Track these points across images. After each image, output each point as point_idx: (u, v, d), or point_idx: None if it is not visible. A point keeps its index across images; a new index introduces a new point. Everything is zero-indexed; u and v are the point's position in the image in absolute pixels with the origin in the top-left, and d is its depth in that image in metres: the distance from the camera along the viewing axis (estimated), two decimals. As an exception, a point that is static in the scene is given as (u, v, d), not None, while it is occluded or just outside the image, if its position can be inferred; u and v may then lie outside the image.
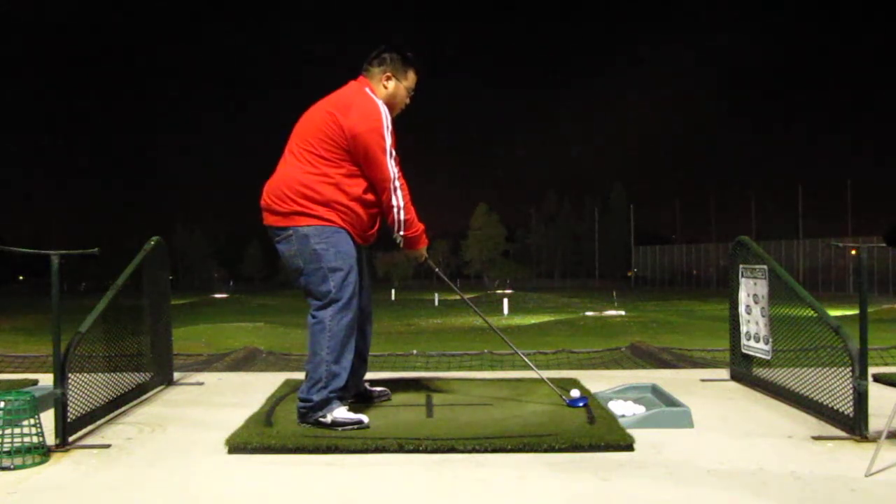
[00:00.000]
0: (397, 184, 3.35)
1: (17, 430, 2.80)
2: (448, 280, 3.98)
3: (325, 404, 3.18)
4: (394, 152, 3.35)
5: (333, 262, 3.26)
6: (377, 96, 3.39)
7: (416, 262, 3.64)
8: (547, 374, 4.19)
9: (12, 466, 2.74)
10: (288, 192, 3.28)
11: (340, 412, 3.20)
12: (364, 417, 3.21)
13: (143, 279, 4.02)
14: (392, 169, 3.32)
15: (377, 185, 3.34)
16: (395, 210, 3.37)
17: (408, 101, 3.55)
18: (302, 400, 3.21)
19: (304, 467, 2.76)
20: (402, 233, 3.43)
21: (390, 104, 3.42)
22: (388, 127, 3.30)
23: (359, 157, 3.28)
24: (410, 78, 3.51)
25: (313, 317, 3.27)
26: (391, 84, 3.45)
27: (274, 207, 3.31)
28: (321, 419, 3.17)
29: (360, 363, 3.57)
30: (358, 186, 3.32)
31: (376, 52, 3.49)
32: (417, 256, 3.59)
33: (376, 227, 3.50)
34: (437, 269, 3.86)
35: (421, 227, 3.50)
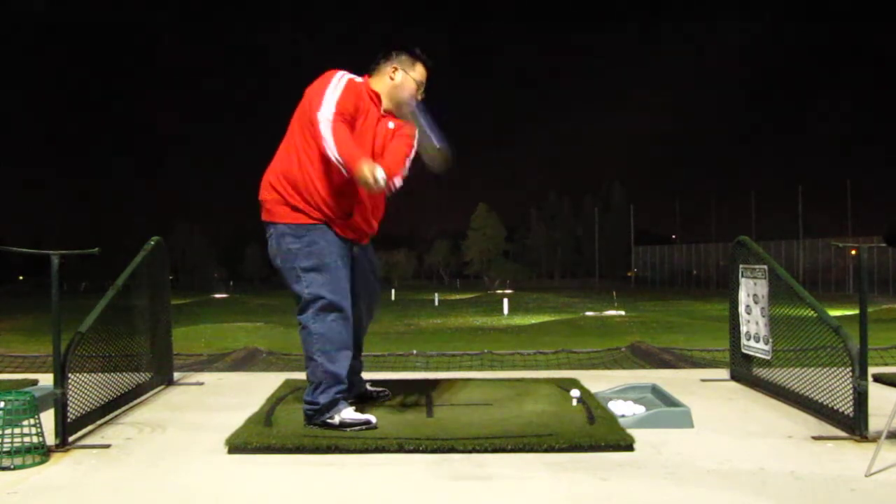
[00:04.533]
0: (325, 123, 3.08)
1: (17, 430, 2.80)
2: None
3: (332, 406, 3.17)
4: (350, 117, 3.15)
5: (306, 261, 3.19)
6: (377, 87, 3.35)
7: (380, 188, 3.04)
8: (547, 374, 4.19)
9: (12, 466, 2.74)
10: (272, 181, 3.28)
11: (348, 413, 3.19)
12: (372, 417, 3.20)
13: (143, 279, 4.02)
14: (322, 112, 3.08)
15: (313, 133, 3.12)
16: (326, 149, 3.08)
17: (419, 96, 3.45)
18: (308, 403, 3.20)
19: (304, 467, 2.76)
20: (342, 163, 3.07)
21: (397, 95, 3.36)
22: (336, 85, 3.16)
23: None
24: (419, 70, 3.42)
25: (298, 321, 3.25)
26: (398, 75, 3.38)
27: (262, 201, 3.31)
28: (329, 421, 3.15)
29: (354, 362, 3.51)
30: (323, 163, 3.19)
31: (383, 51, 3.47)
32: (371, 182, 2.99)
33: (362, 216, 3.33)
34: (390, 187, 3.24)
35: (359, 153, 3.08)
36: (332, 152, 3.07)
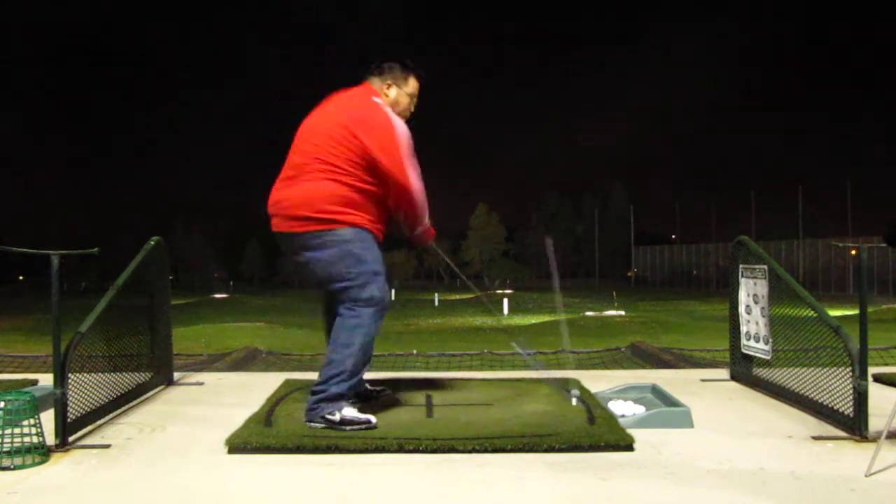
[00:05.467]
0: (419, 191, 3.39)
1: (17, 430, 2.80)
2: (456, 269, 4.22)
3: (338, 399, 3.19)
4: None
5: (374, 265, 3.31)
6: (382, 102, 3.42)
7: (423, 246, 3.74)
8: (547, 374, 4.20)
9: (12, 466, 2.74)
10: (318, 201, 3.27)
11: (350, 411, 3.19)
12: (372, 417, 3.20)
13: (143, 279, 4.02)
14: (414, 179, 3.33)
15: (401, 195, 3.37)
16: (419, 214, 3.45)
17: (412, 108, 3.59)
18: (316, 390, 3.20)
19: (304, 467, 2.76)
20: (420, 229, 3.52)
21: (394, 111, 3.43)
22: (402, 139, 3.31)
23: (382, 175, 3.32)
24: (411, 84, 3.55)
25: (352, 310, 3.28)
26: (392, 91, 3.50)
27: (302, 214, 3.28)
28: (329, 416, 3.15)
29: None
30: (381, 190, 3.36)
31: (376, 63, 3.53)
32: (427, 246, 3.72)
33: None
34: (445, 259, 4.13)
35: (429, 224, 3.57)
36: (420, 216, 3.46)
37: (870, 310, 3.59)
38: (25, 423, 2.84)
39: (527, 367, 3.94)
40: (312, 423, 3.18)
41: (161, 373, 4.35)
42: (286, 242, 3.40)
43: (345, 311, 3.29)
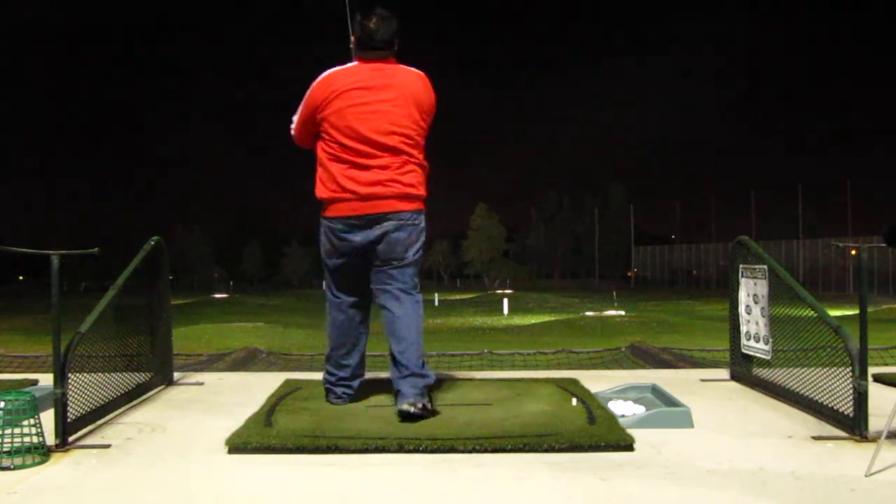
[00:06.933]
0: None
1: (17, 430, 2.80)
2: None
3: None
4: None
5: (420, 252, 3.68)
6: None
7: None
8: (547, 374, 4.19)
9: (12, 466, 2.74)
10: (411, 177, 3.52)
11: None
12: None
13: (143, 279, 4.02)
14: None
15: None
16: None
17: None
18: (420, 375, 3.46)
19: (304, 467, 2.76)
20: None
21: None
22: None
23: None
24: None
25: (414, 296, 3.71)
26: None
27: (403, 192, 3.48)
28: (427, 403, 3.29)
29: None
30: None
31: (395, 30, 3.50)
32: None
33: None
34: None
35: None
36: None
37: (870, 310, 3.59)
38: (25, 423, 2.83)
39: (527, 367, 3.93)
40: (413, 409, 3.23)
41: (161, 373, 4.35)
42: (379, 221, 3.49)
43: (411, 297, 3.67)
